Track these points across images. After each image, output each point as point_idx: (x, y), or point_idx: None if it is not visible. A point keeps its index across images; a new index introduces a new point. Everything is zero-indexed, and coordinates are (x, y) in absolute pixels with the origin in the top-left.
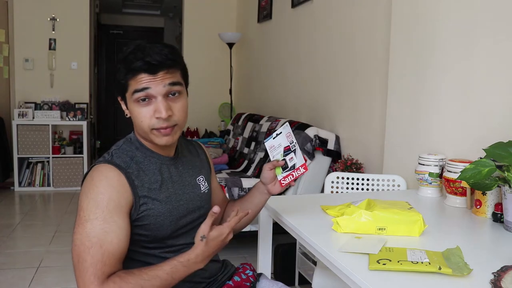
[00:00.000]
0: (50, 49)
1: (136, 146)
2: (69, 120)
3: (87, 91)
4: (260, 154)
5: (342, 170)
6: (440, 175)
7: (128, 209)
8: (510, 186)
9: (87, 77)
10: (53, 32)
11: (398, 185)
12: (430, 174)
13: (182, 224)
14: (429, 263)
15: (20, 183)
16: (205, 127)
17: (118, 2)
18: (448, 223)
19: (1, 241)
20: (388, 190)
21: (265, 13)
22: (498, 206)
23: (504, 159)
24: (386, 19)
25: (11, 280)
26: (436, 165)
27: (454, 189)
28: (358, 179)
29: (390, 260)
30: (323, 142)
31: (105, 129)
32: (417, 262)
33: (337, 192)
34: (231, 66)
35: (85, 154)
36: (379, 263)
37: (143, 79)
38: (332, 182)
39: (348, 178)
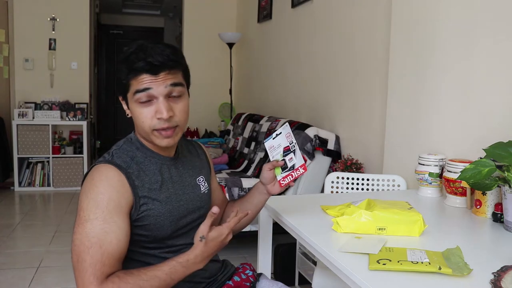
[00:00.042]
0: (50, 49)
1: (136, 146)
2: (69, 120)
3: (87, 91)
4: (260, 154)
5: (342, 170)
6: (440, 175)
7: (128, 209)
8: (510, 186)
9: (87, 77)
10: (53, 32)
11: (398, 185)
12: (430, 174)
13: (182, 224)
14: (429, 263)
15: (20, 183)
16: (205, 127)
17: (118, 2)
18: (448, 223)
19: (1, 241)
20: (388, 190)
21: (265, 13)
22: (498, 206)
23: (504, 159)
24: (386, 19)
25: (11, 280)
26: (436, 165)
27: (454, 189)
28: (358, 179)
29: (390, 260)
30: (323, 142)
31: (105, 129)
32: (417, 262)
33: (337, 192)
34: (231, 66)
35: (85, 154)
36: (379, 263)
37: (144, 80)
38: (332, 182)
39: (348, 178)
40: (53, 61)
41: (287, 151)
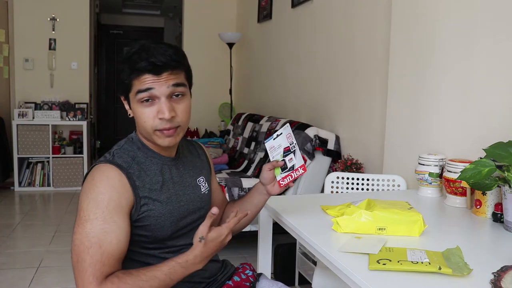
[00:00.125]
0: (50, 49)
1: (137, 146)
2: (69, 120)
3: (87, 91)
4: (260, 154)
5: (342, 170)
6: (440, 175)
7: (128, 210)
8: (510, 186)
9: (87, 77)
10: (53, 32)
11: (398, 185)
12: (430, 174)
13: (182, 225)
14: (429, 263)
15: (20, 183)
16: (205, 127)
17: (118, 2)
18: (448, 223)
19: (1, 241)
20: (388, 190)
21: (265, 13)
22: (498, 206)
23: (504, 159)
24: (386, 19)
25: (11, 280)
26: (436, 165)
27: (454, 189)
28: (358, 179)
29: (390, 260)
30: (323, 142)
31: (105, 129)
32: (417, 262)
33: (337, 192)
34: (231, 66)
35: (85, 154)
36: (379, 263)
37: (147, 80)
38: (332, 182)
39: (348, 178)
40: (53, 61)
41: (287, 151)
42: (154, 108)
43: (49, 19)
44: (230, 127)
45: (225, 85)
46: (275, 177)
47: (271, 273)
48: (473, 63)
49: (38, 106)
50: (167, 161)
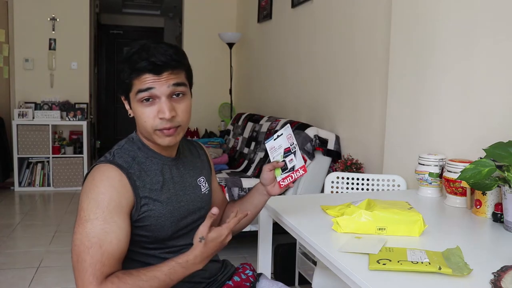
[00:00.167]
0: (50, 49)
1: (138, 146)
2: (69, 120)
3: (87, 91)
4: (260, 154)
5: (342, 170)
6: (440, 175)
7: (129, 210)
8: (510, 186)
9: (87, 77)
10: (53, 32)
11: (398, 185)
12: (430, 174)
13: (182, 225)
14: (429, 263)
15: (20, 183)
16: (205, 127)
17: (118, 2)
18: (448, 223)
19: (1, 241)
20: (388, 190)
21: (265, 13)
22: (498, 206)
23: (504, 159)
24: (386, 19)
25: (11, 280)
26: (436, 165)
27: (454, 189)
28: (358, 179)
29: (390, 260)
30: (323, 142)
31: (105, 129)
32: (417, 262)
33: (337, 192)
34: (231, 66)
35: (85, 154)
36: (379, 263)
37: (147, 79)
38: (332, 182)
39: (348, 178)
40: (53, 61)
41: (287, 152)
42: (154, 108)
43: (49, 19)
44: (230, 127)
45: (225, 85)
46: (275, 177)
47: (271, 273)
48: (473, 63)
49: (38, 106)
50: (167, 161)
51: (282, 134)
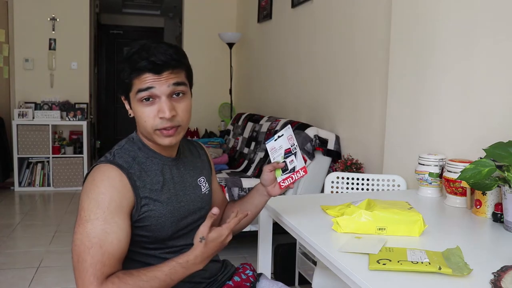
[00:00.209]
0: (50, 49)
1: (138, 146)
2: (69, 120)
3: (87, 91)
4: (260, 154)
5: (342, 170)
6: (440, 175)
7: (129, 210)
8: (510, 186)
9: (87, 77)
10: (53, 32)
11: (398, 185)
12: (430, 174)
13: (183, 225)
14: (429, 263)
15: (20, 183)
16: (205, 127)
17: (118, 2)
18: (448, 223)
19: (1, 241)
20: (388, 190)
21: (265, 13)
22: (498, 206)
23: (504, 159)
24: (386, 19)
25: (11, 280)
26: (436, 165)
27: (454, 189)
28: (358, 179)
29: (390, 260)
30: (323, 142)
31: (105, 129)
32: (417, 262)
33: (337, 192)
34: (231, 66)
35: (85, 154)
36: (379, 263)
37: (147, 79)
38: (332, 182)
39: (348, 178)
40: (53, 61)
41: (288, 153)
42: (154, 107)
43: (49, 19)
44: (230, 127)
45: (225, 85)
46: (276, 178)
47: (271, 273)
48: (473, 63)
49: (38, 106)
50: (167, 161)
51: (282, 134)
